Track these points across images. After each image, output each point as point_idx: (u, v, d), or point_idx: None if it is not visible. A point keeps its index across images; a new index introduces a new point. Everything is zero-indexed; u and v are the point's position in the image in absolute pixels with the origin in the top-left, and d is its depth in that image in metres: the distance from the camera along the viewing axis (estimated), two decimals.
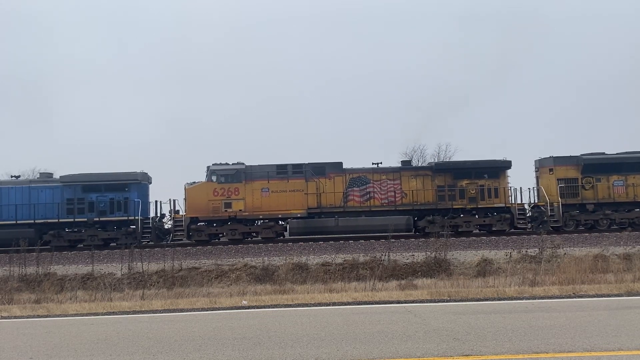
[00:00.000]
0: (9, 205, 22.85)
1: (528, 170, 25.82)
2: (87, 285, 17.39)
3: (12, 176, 24.23)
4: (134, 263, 18.42)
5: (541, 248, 17.97)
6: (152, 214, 23.87)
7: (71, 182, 23.11)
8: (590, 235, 21.60)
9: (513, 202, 23.54)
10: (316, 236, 22.34)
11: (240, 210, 22.75)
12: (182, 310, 10.54)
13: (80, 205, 22.93)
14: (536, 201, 23.96)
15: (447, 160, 23.99)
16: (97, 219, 22.85)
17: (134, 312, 10.69)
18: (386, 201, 23.33)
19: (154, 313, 10.34)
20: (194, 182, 23.35)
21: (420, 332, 7.17)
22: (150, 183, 24.81)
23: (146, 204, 23.65)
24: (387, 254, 18.44)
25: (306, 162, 23.35)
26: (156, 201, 24.07)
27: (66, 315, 10.66)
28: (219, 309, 10.58)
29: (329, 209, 22.98)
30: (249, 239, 23.20)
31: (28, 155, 60.71)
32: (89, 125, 63.68)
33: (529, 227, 23.39)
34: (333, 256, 19.22)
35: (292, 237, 22.79)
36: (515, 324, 7.59)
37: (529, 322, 7.67)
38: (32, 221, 22.65)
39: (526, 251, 18.56)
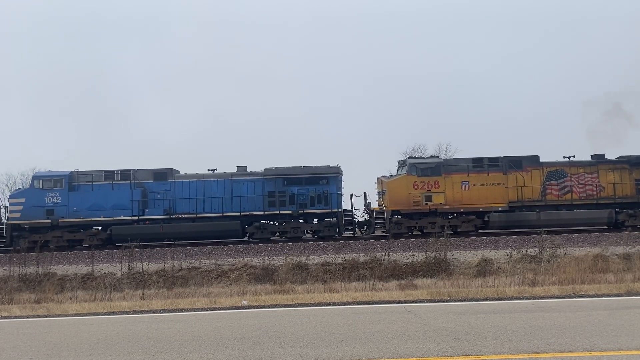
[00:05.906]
0: (211, 199, 23.22)
1: None
2: (87, 285, 17.36)
3: (209, 169, 24.11)
4: (134, 263, 18.41)
5: (541, 248, 17.98)
6: (344, 207, 24.05)
7: (273, 176, 23.43)
8: (590, 235, 21.62)
9: None
10: (517, 229, 22.47)
11: (441, 203, 22.98)
12: (182, 310, 10.54)
13: (282, 198, 23.26)
14: None
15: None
16: (302, 212, 23.15)
17: (134, 312, 10.69)
18: (584, 195, 23.47)
19: (154, 313, 10.34)
20: (392, 176, 23.74)
21: (420, 332, 7.17)
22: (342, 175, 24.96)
23: (341, 196, 23.90)
24: (387, 253, 18.44)
25: (502, 156, 23.58)
26: (351, 195, 24.25)
27: (66, 315, 10.66)
28: (219, 309, 10.58)
29: (529, 203, 23.15)
30: (441, 231, 23.09)
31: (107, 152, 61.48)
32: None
33: None
34: (333, 256, 19.21)
35: (492, 229, 22.87)
36: (515, 324, 7.59)
37: (529, 322, 7.67)
38: (238, 214, 23.03)
39: (526, 251, 18.56)
